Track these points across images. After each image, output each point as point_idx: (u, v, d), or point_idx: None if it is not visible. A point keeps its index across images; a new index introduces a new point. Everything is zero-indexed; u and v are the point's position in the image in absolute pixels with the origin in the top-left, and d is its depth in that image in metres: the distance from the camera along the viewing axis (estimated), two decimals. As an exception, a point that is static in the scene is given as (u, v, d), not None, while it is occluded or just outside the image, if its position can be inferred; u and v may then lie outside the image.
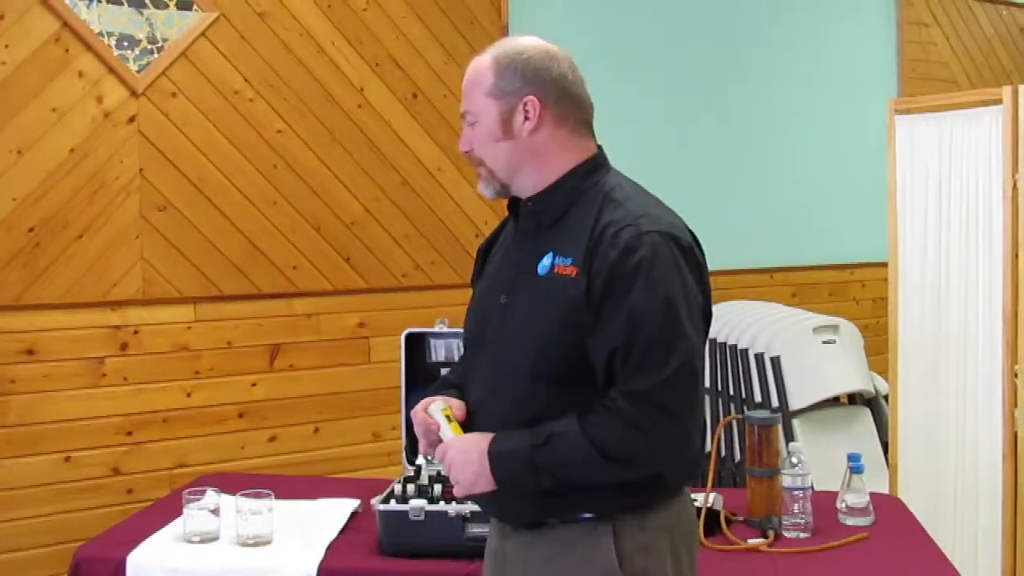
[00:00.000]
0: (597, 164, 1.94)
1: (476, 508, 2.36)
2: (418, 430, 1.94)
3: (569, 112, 1.92)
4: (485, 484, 1.81)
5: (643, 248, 1.75)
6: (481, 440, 1.83)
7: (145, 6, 3.83)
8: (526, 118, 1.88)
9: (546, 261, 1.85)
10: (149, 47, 3.84)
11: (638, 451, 1.76)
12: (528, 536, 1.89)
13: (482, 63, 1.92)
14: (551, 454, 1.76)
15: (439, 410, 1.91)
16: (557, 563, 1.86)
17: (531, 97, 1.88)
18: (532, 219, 1.94)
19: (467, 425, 1.91)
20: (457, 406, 1.94)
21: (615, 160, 1.99)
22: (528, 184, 1.92)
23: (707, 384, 4.60)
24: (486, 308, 1.97)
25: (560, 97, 1.90)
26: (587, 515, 1.83)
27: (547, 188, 1.91)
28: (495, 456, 1.80)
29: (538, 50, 1.91)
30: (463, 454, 1.83)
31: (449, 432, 1.88)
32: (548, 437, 1.76)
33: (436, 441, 1.91)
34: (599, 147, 1.97)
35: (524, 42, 1.93)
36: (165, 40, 3.87)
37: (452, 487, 2.55)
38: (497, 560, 1.97)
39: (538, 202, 1.92)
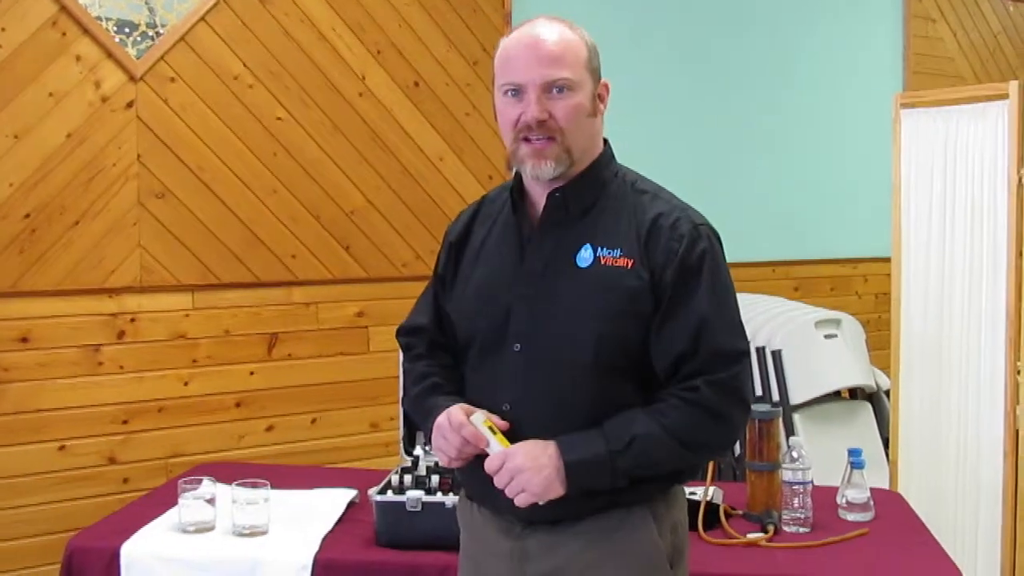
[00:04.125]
0: (611, 155, 1.96)
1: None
2: (454, 442, 1.83)
3: None
4: (557, 491, 1.77)
5: (702, 240, 1.82)
6: (546, 447, 1.78)
7: (145, -9, 3.81)
8: (602, 101, 1.90)
9: (585, 253, 1.84)
10: (148, 32, 3.81)
11: (719, 438, 1.85)
12: (553, 530, 1.86)
13: (570, 36, 1.86)
14: (633, 457, 1.76)
15: (481, 422, 1.82)
16: (594, 551, 1.84)
17: (607, 81, 1.91)
18: (559, 209, 1.89)
19: (507, 431, 1.84)
20: (496, 417, 1.85)
21: (618, 152, 1.98)
22: (578, 168, 1.88)
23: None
24: (501, 303, 1.90)
25: None
26: (623, 503, 1.83)
27: (575, 178, 1.88)
28: (572, 465, 1.76)
29: None
30: (532, 460, 1.76)
31: (497, 445, 1.80)
32: (630, 441, 1.76)
33: (470, 455, 1.84)
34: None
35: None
36: (164, 25, 3.84)
37: (447, 478, 2.56)
38: (513, 561, 1.89)
39: (567, 192, 1.88)
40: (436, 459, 2.67)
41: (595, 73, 1.88)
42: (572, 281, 1.83)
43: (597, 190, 1.89)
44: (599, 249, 1.83)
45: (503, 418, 1.85)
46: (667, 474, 1.86)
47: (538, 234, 1.90)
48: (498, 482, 1.79)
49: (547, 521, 1.86)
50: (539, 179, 1.86)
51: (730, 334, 1.81)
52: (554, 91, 1.82)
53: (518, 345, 1.86)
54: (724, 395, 1.78)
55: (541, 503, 1.78)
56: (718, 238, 1.87)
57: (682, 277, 1.79)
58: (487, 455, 1.81)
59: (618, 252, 1.81)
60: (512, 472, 1.77)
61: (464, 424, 1.82)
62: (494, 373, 1.90)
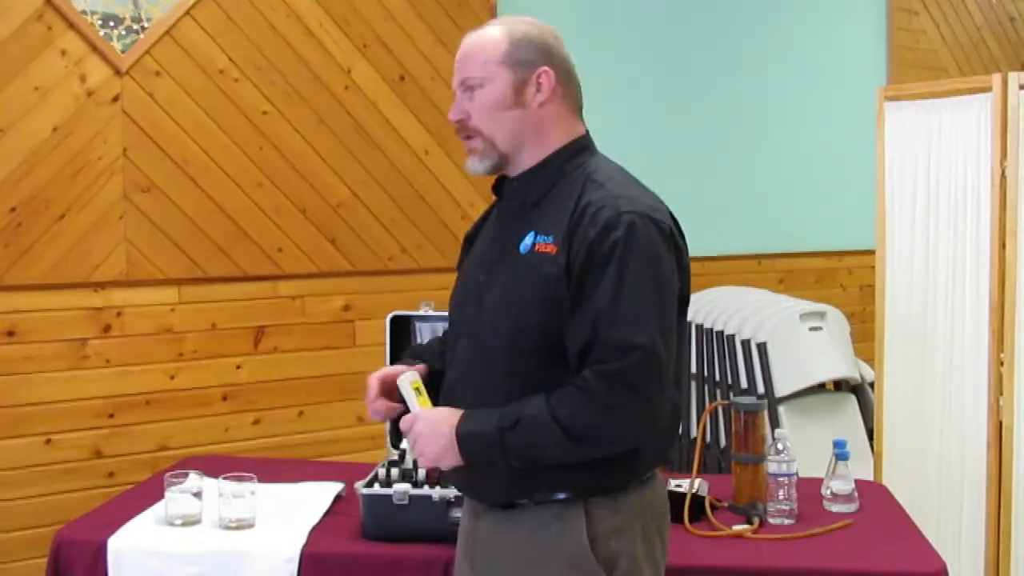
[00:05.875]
0: (583, 146, 1.96)
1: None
2: (370, 393, 1.99)
3: (571, 92, 1.95)
4: (452, 460, 1.82)
5: (619, 228, 1.77)
6: (451, 416, 1.83)
7: (130, -16, 3.80)
8: (538, 90, 1.90)
9: (527, 240, 1.86)
10: (133, 26, 3.80)
11: (603, 429, 1.77)
12: (500, 517, 1.90)
13: (491, 33, 1.92)
14: (519, 436, 1.77)
15: (409, 382, 1.91)
16: (528, 545, 1.86)
17: (546, 69, 1.90)
18: (516, 198, 1.94)
19: (442, 405, 1.91)
20: (420, 370, 1.98)
21: (602, 144, 2.00)
22: (526, 159, 1.92)
23: (694, 370, 4.60)
24: (465, 290, 1.99)
25: (566, 76, 1.94)
26: (560, 496, 1.84)
27: (533, 167, 1.92)
28: (463, 436, 1.80)
29: (544, 28, 1.95)
30: (431, 426, 1.83)
31: (417, 405, 1.88)
32: (516, 420, 1.77)
33: (395, 410, 1.96)
34: (586, 131, 1.99)
35: (528, 20, 1.96)
36: (149, 19, 3.83)
37: (433, 471, 2.56)
38: (468, 540, 1.98)
39: (523, 181, 1.93)
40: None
41: (519, 64, 1.90)
42: (509, 267, 1.88)
43: (551, 181, 1.91)
44: (538, 236, 1.85)
45: (445, 397, 1.93)
46: (601, 468, 1.82)
47: (498, 223, 1.98)
48: (407, 443, 1.90)
49: (498, 505, 1.91)
50: (475, 174, 1.96)
51: (627, 326, 1.74)
52: (467, 91, 1.91)
53: (466, 330, 1.94)
54: (612, 386, 1.74)
55: (444, 468, 1.85)
56: (659, 226, 1.82)
57: (590, 265, 1.77)
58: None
59: (550, 239, 1.83)
60: (415, 436, 1.84)
61: (374, 375, 1.99)
62: (452, 356, 1.99)
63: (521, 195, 1.93)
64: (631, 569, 1.85)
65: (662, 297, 1.80)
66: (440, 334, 3.07)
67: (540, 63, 1.90)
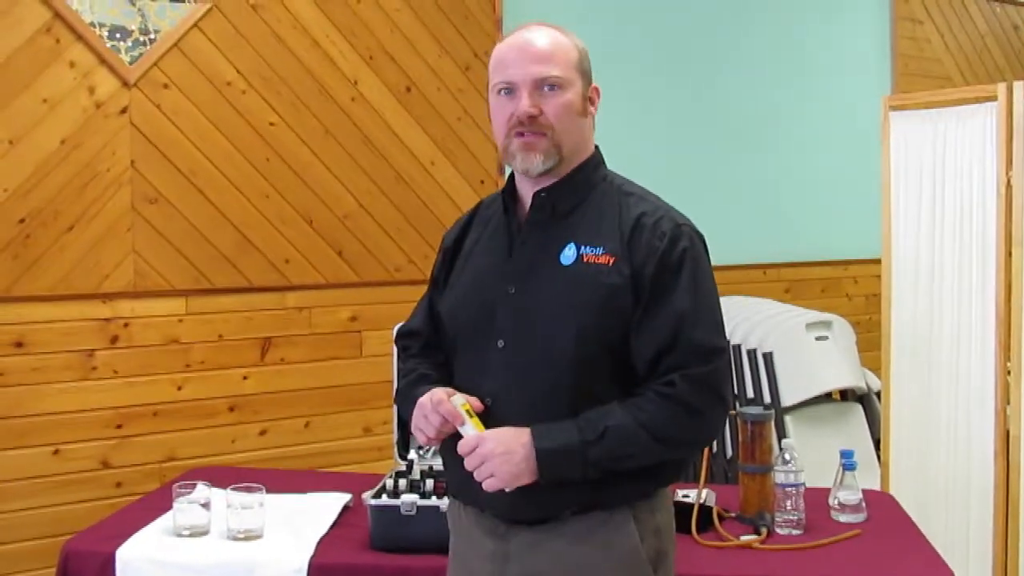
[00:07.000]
0: (601, 159, 2.00)
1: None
2: (432, 420, 1.86)
3: None
4: (527, 479, 1.79)
5: (684, 239, 1.85)
6: (519, 435, 1.80)
7: (137, -3, 3.82)
8: (592, 103, 1.95)
9: (569, 252, 1.87)
10: (141, 38, 3.82)
11: (693, 434, 1.86)
12: (534, 532, 1.88)
13: (560, 38, 1.93)
14: (605, 448, 1.78)
15: (459, 405, 1.85)
16: (574, 554, 1.86)
17: (596, 85, 1.96)
18: (544, 210, 1.93)
19: (482, 420, 1.87)
20: (473, 401, 1.88)
21: (608, 153, 2.02)
22: (566, 167, 1.93)
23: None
24: (486, 300, 1.94)
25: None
26: (604, 504, 1.85)
27: (563, 179, 1.93)
28: (543, 453, 1.78)
29: None
30: (503, 446, 1.79)
31: (471, 428, 1.83)
32: (603, 432, 1.78)
33: (447, 434, 1.88)
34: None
35: None
36: (157, 31, 3.85)
37: (441, 482, 2.57)
38: (496, 561, 1.92)
39: (554, 192, 1.93)
40: (430, 463, 2.70)
41: (585, 75, 1.93)
42: (555, 278, 1.87)
43: (583, 192, 1.93)
44: (582, 247, 1.87)
45: (485, 411, 1.88)
46: (646, 474, 1.86)
47: (524, 233, 1.95)
48: (468, 465, 1.81)
49: (529, 521, 1.88)
50: (528, 173, 1.90)
51: (708, 330, 1.84)
52: (545, 88, 1.88)
53: (502, 341, 1.89)
54: (700, 391, 1.80)
55: (508, 490, 1.80)
56: (702, 239, 1.91)
57: (662, 274, 1.82)
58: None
59: (600, 250, 1.85)
60: (483, 457, 1.80)
61: (443, 401, 1.85)
62: (478, 368, 1.94)
63: (550, 206, 1.93)
64: (668, 565, 1.92)
65: (720, 304, 1.89)
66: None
67: (591, 78, 1.96)
